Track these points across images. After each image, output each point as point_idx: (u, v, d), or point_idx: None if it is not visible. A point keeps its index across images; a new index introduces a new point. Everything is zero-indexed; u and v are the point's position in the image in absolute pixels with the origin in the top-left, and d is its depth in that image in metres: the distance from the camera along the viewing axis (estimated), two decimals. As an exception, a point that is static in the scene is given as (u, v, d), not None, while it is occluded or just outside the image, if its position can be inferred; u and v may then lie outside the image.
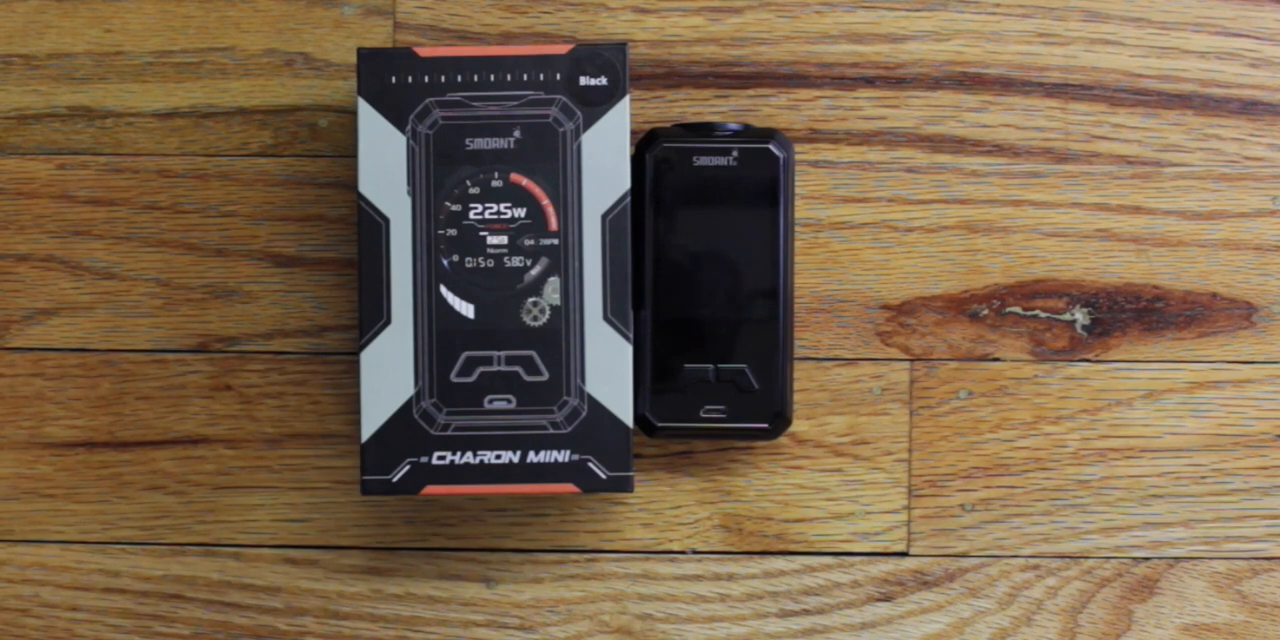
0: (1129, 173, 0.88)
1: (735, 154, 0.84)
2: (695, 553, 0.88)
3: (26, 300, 0.89)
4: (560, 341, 0.82)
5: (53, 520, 0.89)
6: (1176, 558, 0.87)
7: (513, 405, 0.82)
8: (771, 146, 0.84)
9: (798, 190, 0.87)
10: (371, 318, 0.82)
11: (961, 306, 0.88)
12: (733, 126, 0.85)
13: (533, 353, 0.82)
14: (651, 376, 0.84)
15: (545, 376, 0.82)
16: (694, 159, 0.84)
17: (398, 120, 0.82)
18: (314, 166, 0.88)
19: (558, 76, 0.82)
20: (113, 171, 0.89)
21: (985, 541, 0.88)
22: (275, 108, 0.88)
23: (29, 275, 0.89)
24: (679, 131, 0.85)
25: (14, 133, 0.89)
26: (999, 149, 0.88)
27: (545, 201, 0.82)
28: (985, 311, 0.88)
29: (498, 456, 0.82)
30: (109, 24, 0.89)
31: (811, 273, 0.88)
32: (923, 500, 0.88)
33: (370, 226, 0.82)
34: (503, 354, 0.82)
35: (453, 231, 0.82)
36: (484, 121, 0.82)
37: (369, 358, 0.82)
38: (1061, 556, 0.87)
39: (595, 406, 0.82)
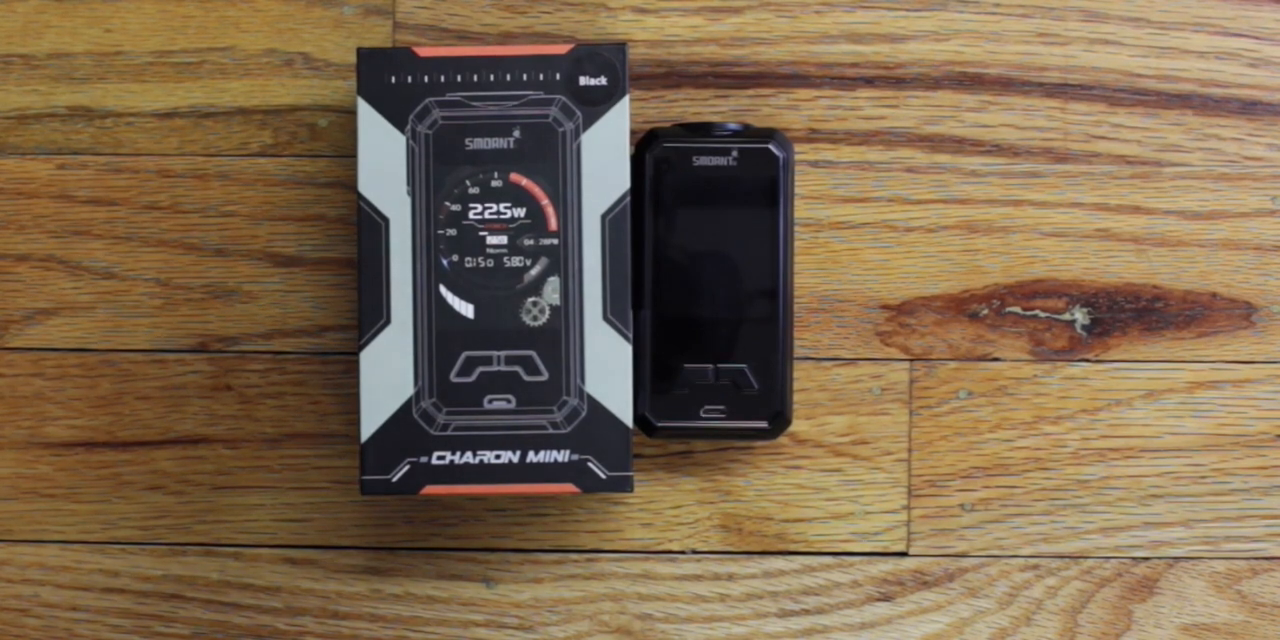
0: (1129, 173, 0.88)
1: (735, 154, 0.84)
2: (695, 553, 0.88)
3: (26, 300, 0.89)
4: (560, 341, 0.82)
5: (53, 520, 0.89)
6: (1176, 558, 0.88)
7: (512, 405, 0.82)
8: (771, 146, 0.84)
9: (798, 190, 0.87)
10: (371, 318, 0.82)
11: (961, 306, 0.88)
12: (732, 126, 0.85)
13: (532, 352, 0.82)
14: (651, 376, 0.84)
15: (545, 376, 0.82)
16: (694, 159, 0.84)
17: (397, 120, 0.82)
18: (314, 166, 0.88)
19: (557, 76, 0.82)
20: (112, 171, 0.89)
21: (985, 541, 0.88)
22: (275, 108, 0.88)
23: (29, 275, 0.89)
24: (679, 131, 0.85)
25: (14, 133, 0.89)
26: (999, 149, 0.88)
27: (545, 201, 0.82)
28: (985, 311, 0.88)
29: (497, 456, 0.82)
30: (109, 24, 0.89)
31: (811, 273, 0.88)
32: (922, 500, 0.88)
33: (370, 226, 0.82)
34: (502, 354, 0.82)
35: (452, 231, 0.82)
36: (484, 121, 0.82)
37: (369, 358, 0.82)
38: (1061, 556, 0.87)
39: (595, 406, 0.82)
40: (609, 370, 0.82)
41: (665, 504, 0.88)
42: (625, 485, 0.82)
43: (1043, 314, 0.88)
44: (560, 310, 0.82)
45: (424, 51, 0.82)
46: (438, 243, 0.82)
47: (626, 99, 0.82)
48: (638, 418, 0.85)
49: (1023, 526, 0.88)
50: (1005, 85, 0.88)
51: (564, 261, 0.82)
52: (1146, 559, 0.88)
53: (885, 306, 0.88)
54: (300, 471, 0.88)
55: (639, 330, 0.84)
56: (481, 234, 0.82)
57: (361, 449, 0.82)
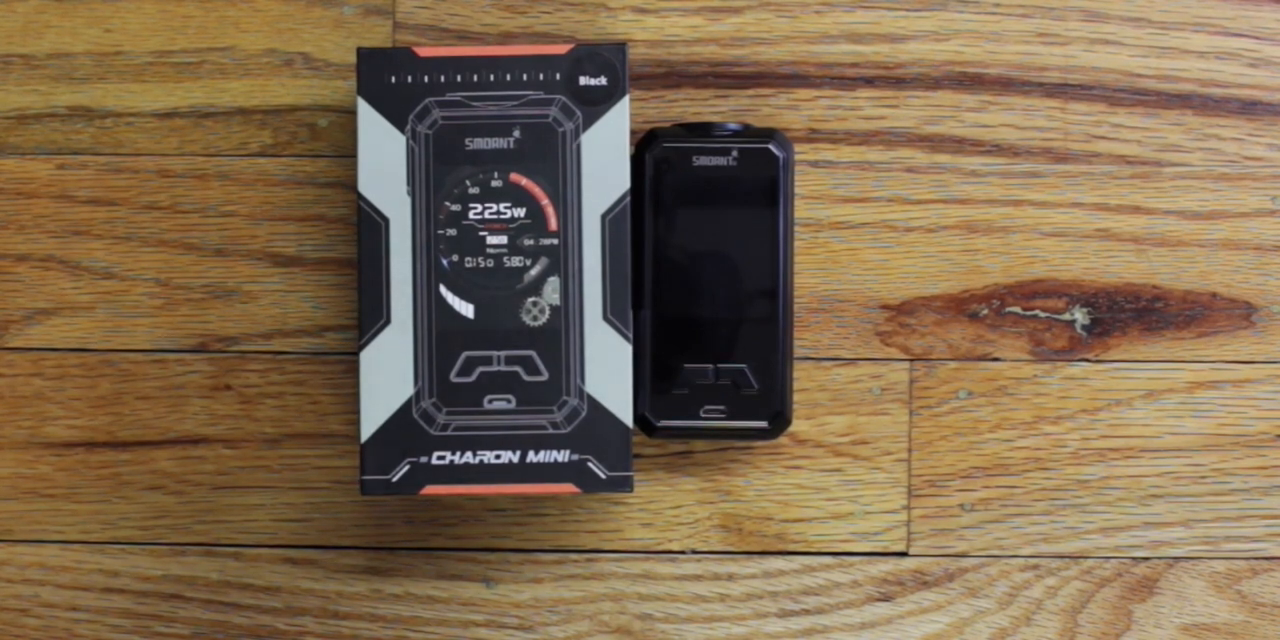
0: (1129, 173, 0.88)
1: (735, 154, 0.84)
2: (695, 553, 0.88)
3: (26, 300, 0.89)
4: (560, 341, 0.82)
5: (53, 520, 0.89)
6: (1176, 558, 0.87)
7: (512, 405, 0.82)
8: (771, 146, 0.84)
9: (797, 190, 0.87)
10: (371, 318, 0.82)
11: (961, 306, 0.88)
12: (732, 126, 0.85)
13: (532, 352, 0.82)
14: (651, 376, 0.84)
15: (545, 376, 0.82)
16: (694, 159, 0.84)
17: (397, 120, 0.82)
18: (314, 166, 0.88)
19: (557, 76, 0.82)
20: (112, 171, 0.89)
21: (985, 541, 0.88)
22: (275, 108, 0.88)
23: (29, 275, 0.89)
24: (679, 131, 0.85)
25: (14, 133, 0.89)
26: (999, 149, 0.88)
27: (545, 201, 0.82)
28: (985, 311, 0.88)
29: (497, 456, 0.82)
30: (109, 24, 0.89)
31: (811, 273, 0.88)
32: (922, 500, 0.88)
33: (370, 226, 0.82)
34: (502, 354, 0.82)
35: (452, 231, 0.82)
36: (484, 121, 0.82)
37: (369, 358, 0.82)
38: (1061, 556, 0.87)
39: (595, 406, 0.82)
40: (609, 370, 0.82)
41: (665, 504, 0.88)
42: (625, 485, 0.82)
43: (1043, 314, 0.88)
44: (560, 310, 0.82)
45: (424, 51, 0.82)
46: (438, 243, 0.82)
47: (626, 99, 0.82)
48: (638, 418, 0.85)
49: (1023, 526, 0.88)
50: (1005, 85, 0.88)
51: (564, 261, 0.82)
52: (1146, 559, 0.88)
53: (885, 306, 0.88)
54: (300, 471, 0.88)
55: (639, 330, 0.84)
56: (481, 234, 0.82)
57: (361, 449, 0.82)
